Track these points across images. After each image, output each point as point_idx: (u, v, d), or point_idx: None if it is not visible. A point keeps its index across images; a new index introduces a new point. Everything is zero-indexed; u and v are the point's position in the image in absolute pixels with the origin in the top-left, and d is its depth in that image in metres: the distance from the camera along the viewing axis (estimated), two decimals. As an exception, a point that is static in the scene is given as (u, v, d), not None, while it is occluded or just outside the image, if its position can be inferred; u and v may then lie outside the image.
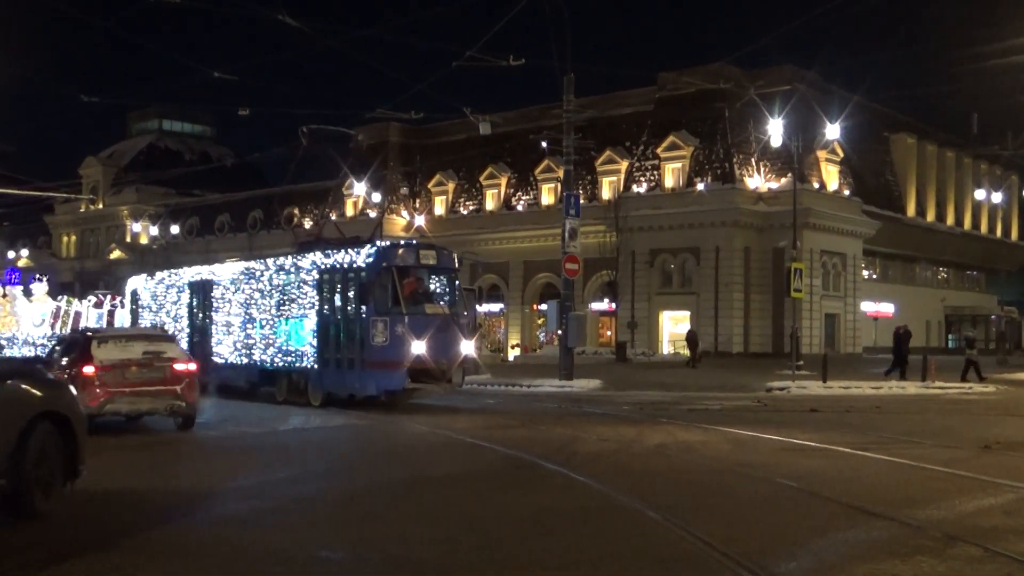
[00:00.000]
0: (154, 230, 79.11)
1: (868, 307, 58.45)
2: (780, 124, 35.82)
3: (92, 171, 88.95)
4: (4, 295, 35.77)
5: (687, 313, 52.67)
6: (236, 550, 7.21)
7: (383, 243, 20.35)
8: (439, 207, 65.78)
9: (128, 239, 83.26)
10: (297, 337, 20.50)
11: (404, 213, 66.03)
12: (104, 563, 6.73)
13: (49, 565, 6.57)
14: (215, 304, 23.69)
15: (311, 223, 72.07)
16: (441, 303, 19.96)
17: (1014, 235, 75.69)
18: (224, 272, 24.05)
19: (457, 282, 20.54)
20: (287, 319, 20.93)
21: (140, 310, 27.42)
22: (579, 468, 10.93)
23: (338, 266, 19.60)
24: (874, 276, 62.44)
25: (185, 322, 24.92)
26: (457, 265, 20.71)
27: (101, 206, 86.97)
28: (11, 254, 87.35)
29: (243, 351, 22.42)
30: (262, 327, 21.82)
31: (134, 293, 27.96)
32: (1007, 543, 7.25)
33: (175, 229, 78.97)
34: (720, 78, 48.57)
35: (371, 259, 18.87)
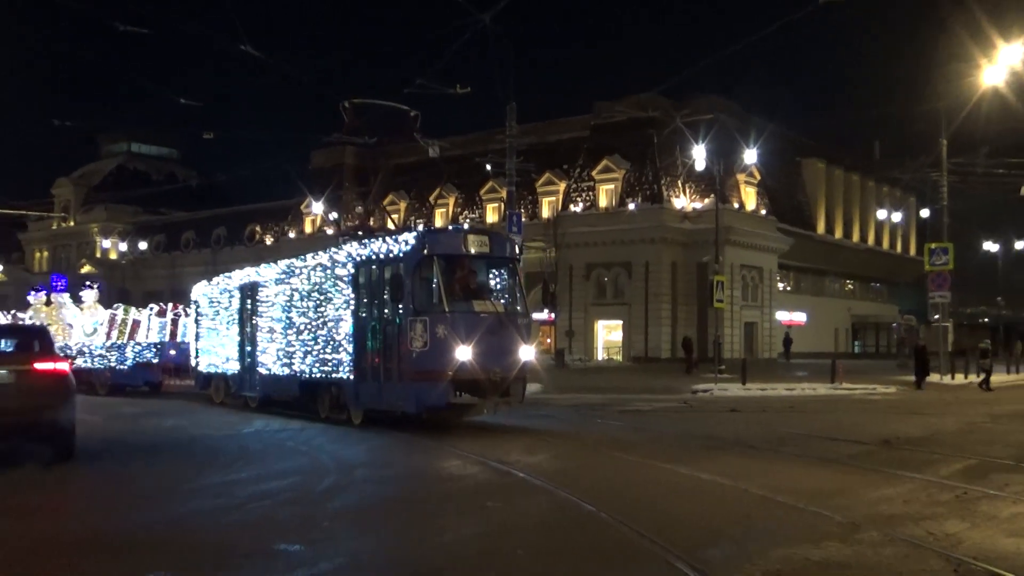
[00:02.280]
0: (123, 246, 77.86)
1: (783, 316, 59.28)
2: (703, 149, 36.19)
3: (64, 191, 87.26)
4: (49, 302, 31.68)
5: (620, 322, 53.04)
6: (200, 544, 7.11)
7: (424, 228, 16.63)
8: (391, 225, 65.40)
9: (98, 255, 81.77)
10: (334, 343, 16.46)
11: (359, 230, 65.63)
12: (70, 559, 6.63)
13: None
14: (259, 309, 19.83)
15: (272, 240, 71.41)
16: (498, 300, 15.56)
17: (912, 250, 77.22)
18: (268, 273, 19.92)
19: (517, 275, 15.99)
20: (324, 322, 16.87)
21: (200, 318, 24.03)
22: (520, 466, 10.94)
23: (374, 257, 15.48)
24: (788, 288, 63.34)
25: (236, 329, 21.07)
26: (517, 254, 16.28)
27: (72, 224, 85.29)
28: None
29: (285, 360, 18.45)
30: (300, 332, 17.83)
31: (196, 301, 24.49)
32: (905, 528, 7.41)
33: (143, 245, 77.98)
34: (650, 107, 49.02)
35: (409, 247, 14.69)
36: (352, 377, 15.80)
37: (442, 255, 14.77)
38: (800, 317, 61.64)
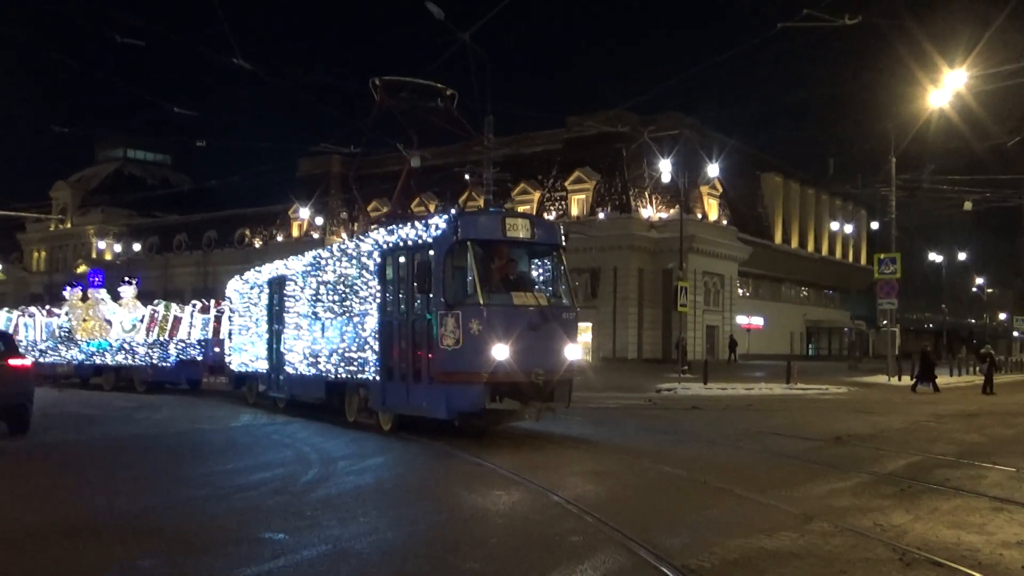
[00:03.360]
0: (118, 247, 77.26)
1: (742, 320, 59.64)
2: (669, 163, 36.52)
3: (62, 194, 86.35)
4: (85, 298, 29.13)
5: (589, 324, 53.10)
6: (189, 531, 7.05)
7: (457, 211, 13.48)
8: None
9: (94, 255, 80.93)
10: (360, 341, 14.18)
11: (344, 235, 65.45)
12: (63, 545, 6.56)
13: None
14: (286, 304, 17.60)
15: (261, 243, 70.96)
16: (542, 292, 13.10)
17: (863, 260, 77.89)
18: (295, 266, 17.54)
19: (563, 266, 13.43)
20: (350, 318, 14.57)
21: (232, 315, 21.92)
22: (494, 458, 10.92)
23: (402, 244, 13.14)
24: (747, 294, 63.73)
25: (265, 327, 18.88)
26: (563, 241, 13.49)
27: (69, 225, 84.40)
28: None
29: (311, 359, 16.17)
30: (326, 329, 15.55)
31: (229, 297, 22.34)
32: (853, 520, 7.47)
33: (137, 247, 77.39)
34: (619, 123, 49.10)
35: (440, 231, 12.35)
36: (378, 378, 13.60)
37: (477, 240, 12.41)
38: (758, 321, 62.02)
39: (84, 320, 28.74)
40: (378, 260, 13.74)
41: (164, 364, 25.20)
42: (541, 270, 13.68)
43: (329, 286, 15.59)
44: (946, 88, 22.34)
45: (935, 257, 64.16)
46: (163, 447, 13.14)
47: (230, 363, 21.82)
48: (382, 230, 14.05)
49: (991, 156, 39.56)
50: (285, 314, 17.68)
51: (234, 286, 22.04)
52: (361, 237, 14.74)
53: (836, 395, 25.84)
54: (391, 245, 13.45)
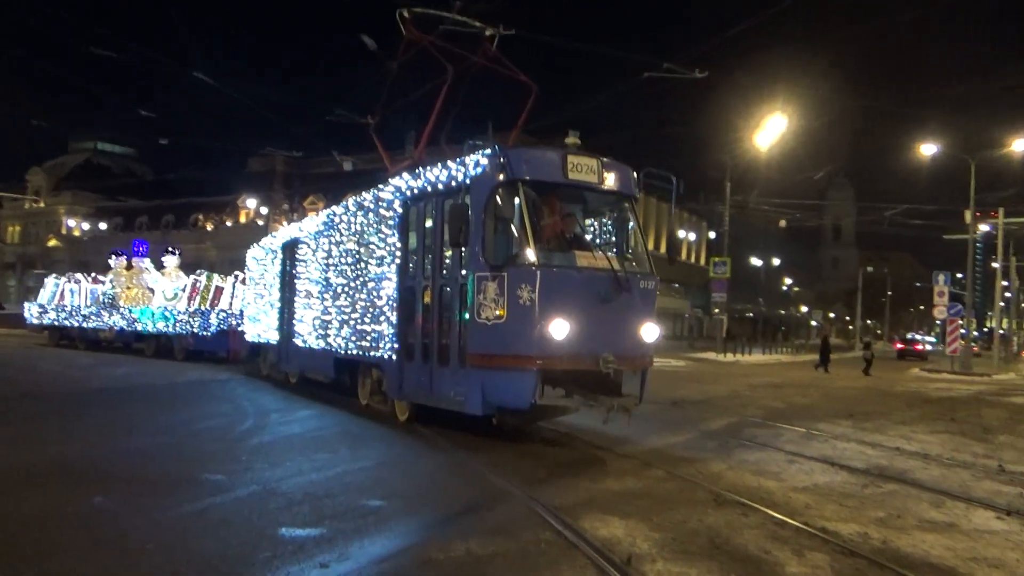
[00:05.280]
0: (85, 225, 73.12)
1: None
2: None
3: (37, 178, 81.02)
4: (130, 267, 24.97)
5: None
6: (138, 475, 6.77)
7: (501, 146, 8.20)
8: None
9: (64, 232, 76.45)
10: (374, 311, 9.86)
11: (284, 223, 63.71)
12: (23, 488, 6.21)
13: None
14: (298, 270, 13.25)
15: (212, 227, 68.29)
16: (611, 252, 8.63)
17: (702, 261, 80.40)
18: (309, 226, 13.01)
19: (635, 222, 9.02)
20: (364, 283, 10.21)
21: (248, 283, 18.13)
22: (432, 425, 10.81)
23: (430, 190, 8.80)
24: (612, 285, 64.84)
25: (277, 295, 14.58)
26: (636, 191, 8.95)
27: (43, 205, 79.22)
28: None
29: (320, 331, 11.80)
30: (337, 297, 11.16)
31: (248, 266, 17.97)
32: (683, 468, 7.72)
33: (103, 226, 73.52)
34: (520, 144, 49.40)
35: (481, 170, 8.04)
36: (394, 358, 9.38)
37: (531, 182, 7.95)
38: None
39: (128, 288, 24.82)
40: (399, 211, 9.43)
41: (204, 333, 21.27)
42: (609, 226, 9.31)
43: (342, 247, 11.19)
44: (769, 130, 23.25)
45: (756, 261, 66.78)
46: (119, 400, 12.53)
47: (244, 333, 18.10)
48: (405, 174, 9.52)
49: (801, 186, 41.51)
50: (296, 281, 13.39)
51: (252, 253, 17.73)
52: (380, 186, 10.15)
53: (677, 367, 26.47)
54: (416, 192, 9.10)
